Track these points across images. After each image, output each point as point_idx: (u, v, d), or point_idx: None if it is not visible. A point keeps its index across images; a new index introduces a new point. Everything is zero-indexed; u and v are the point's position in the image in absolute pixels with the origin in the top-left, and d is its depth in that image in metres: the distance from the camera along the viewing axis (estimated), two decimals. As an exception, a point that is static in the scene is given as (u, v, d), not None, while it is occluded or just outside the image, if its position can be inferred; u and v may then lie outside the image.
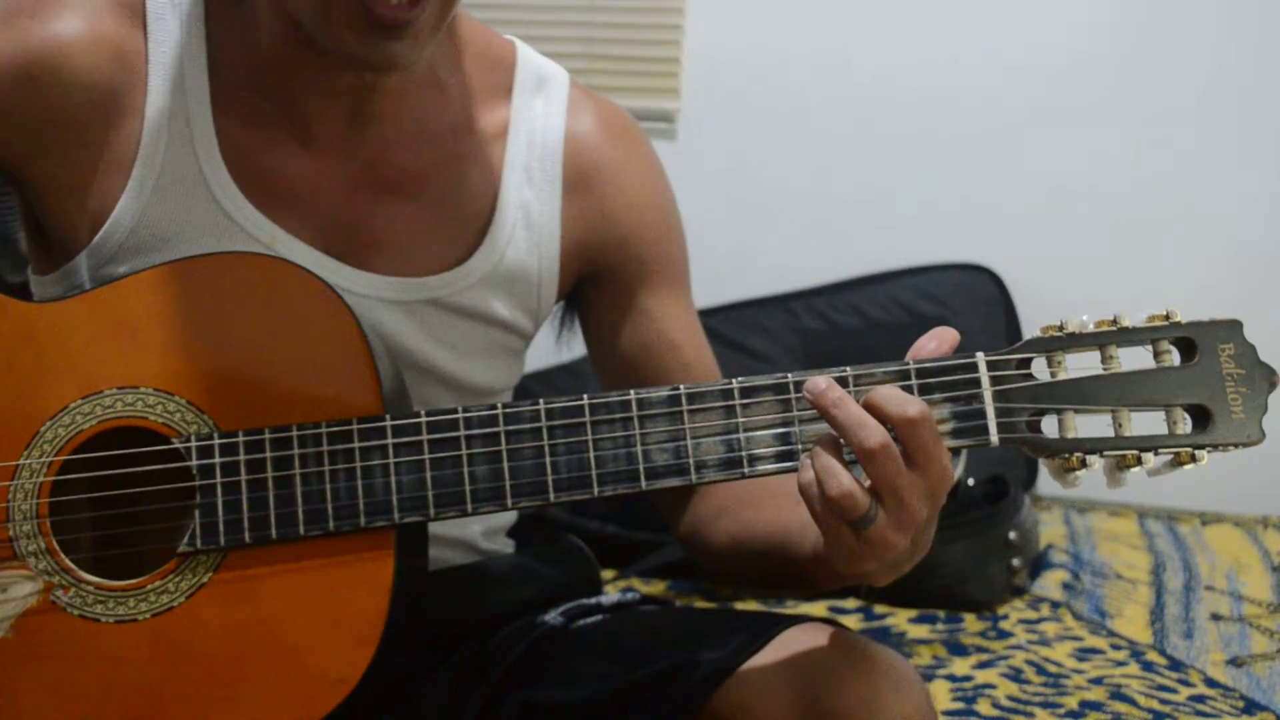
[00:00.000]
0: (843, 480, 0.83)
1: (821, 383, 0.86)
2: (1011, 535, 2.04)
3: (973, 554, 1.99)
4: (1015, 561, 2.04)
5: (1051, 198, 2.71)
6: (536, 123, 1.13)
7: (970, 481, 2.21)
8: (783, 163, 2.79)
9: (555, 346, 1.27)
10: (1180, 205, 2.66)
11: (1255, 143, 2.64)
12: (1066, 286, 2.48)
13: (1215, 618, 1.99)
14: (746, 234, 2.77)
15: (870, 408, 0.84)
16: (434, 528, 1.13)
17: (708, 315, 2.61)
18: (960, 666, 1.75)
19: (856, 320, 2.69)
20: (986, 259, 2.71)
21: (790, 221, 2.79)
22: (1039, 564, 2.19)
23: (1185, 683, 1.72)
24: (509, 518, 1.26)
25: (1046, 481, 2.62)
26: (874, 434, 0.83)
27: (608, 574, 2.07)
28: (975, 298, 2.70)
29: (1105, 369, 0.88)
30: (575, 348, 1.24)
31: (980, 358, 0.88)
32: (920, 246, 2.73)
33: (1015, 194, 2.72)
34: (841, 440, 0.85)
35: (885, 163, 2.77)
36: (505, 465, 0.90)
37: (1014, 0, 2.70)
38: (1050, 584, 2.11)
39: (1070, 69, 2.68)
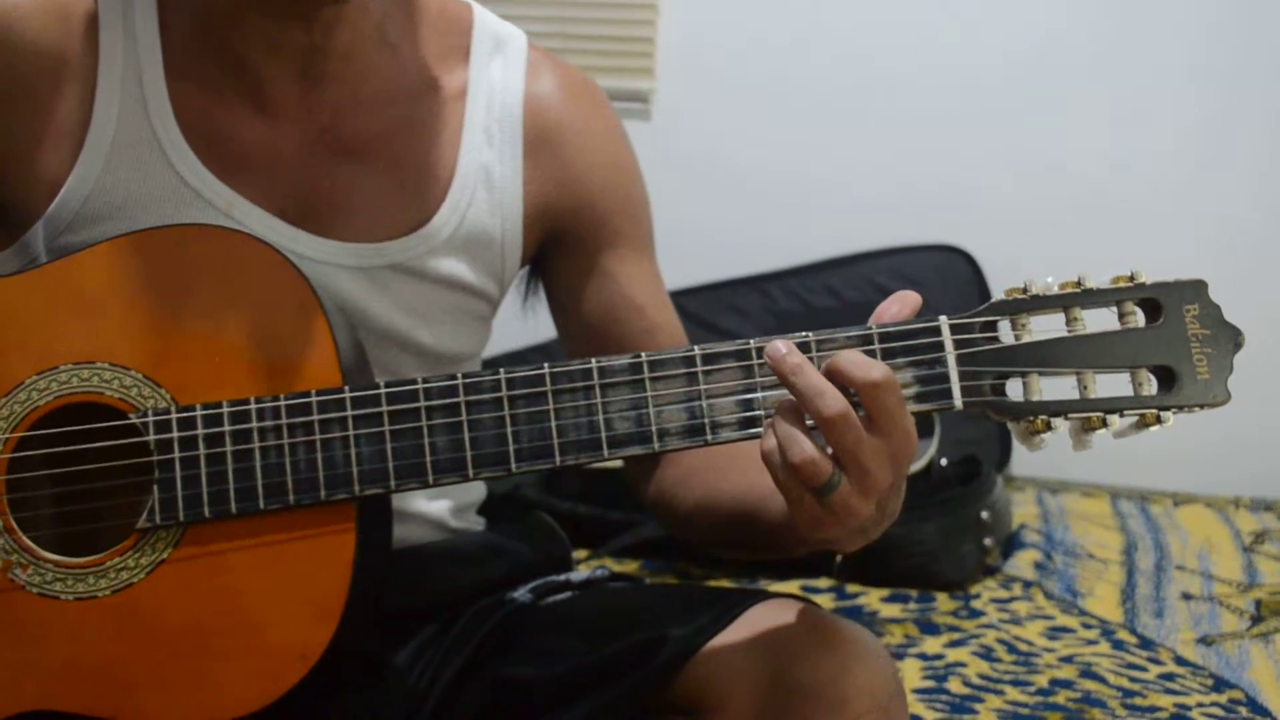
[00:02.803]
0: (805, 447, 0.83)
1: (782, 347, 0.86)
2: (984, 515, 2.05)
3: (945, 533, 2.00)
4: (987, 541, 2.05)
5: (1026, 179, 2.71)
6: (495, 84, 1.12)
7: (943, 461, 2.21)
8: (757, 143, 2.79)
9: (528, 327, 1.26)
10: (1156, 187, 2.67)
11: (1233, 125, 2.64)
12: (1040, 268, 2.46)
13: (1186, 597, 2.00)
14: (721, 214, 2.77)
15: (833, 373, 0.84)
16: (404, 505, 1.12)
17: (682, 296, 2.63)
18: (932, 645, 1.76)
19: (831, 301, 2.69)
20: (961, 240, 2.72)
21: (765, 202, 2.78)
22: (1011, 543, 2.20)
23: (1155, 661, 1.73)
24: (479, 495, 1.25)
25: (1019, 461, 2.62)
26: (832, 402, 0.83)
27: (581, 553, 2.07)
28: (949, 279, 2.70)
29: (1070, 331, 0.88)
30: (548, 328, 1.22)
31: (943, 321, 0.88)
32: (895, 228, 2.74)
33: (990, 176, 2.72)
34: None
35: (860, 144, 2.77)
36: (466, 436, 0.89)
37: (990, -19, 2.71)
38: (1022, 563, 2.12)
39: (1048, 50, 2.68)
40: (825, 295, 2.70)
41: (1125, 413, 0.87)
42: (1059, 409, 0.87)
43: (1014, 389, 0.88)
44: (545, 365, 0.90)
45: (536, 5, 2.85)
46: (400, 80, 1.08)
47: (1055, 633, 1.82)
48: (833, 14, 2.75)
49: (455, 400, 0.90)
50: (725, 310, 2.70)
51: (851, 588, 1.99)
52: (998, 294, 0.89)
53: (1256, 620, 1.90)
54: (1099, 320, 0.88)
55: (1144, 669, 1.69)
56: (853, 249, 2.73)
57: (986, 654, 1.73)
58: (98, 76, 1.01)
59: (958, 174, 2.73)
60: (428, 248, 1.08)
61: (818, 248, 2.73)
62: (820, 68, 2.76)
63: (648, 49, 2.84)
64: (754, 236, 2.76)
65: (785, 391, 0.85)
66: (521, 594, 1.14)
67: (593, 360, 0.89)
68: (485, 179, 1.10)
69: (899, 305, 0.89)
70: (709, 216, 2.73)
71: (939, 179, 2.74)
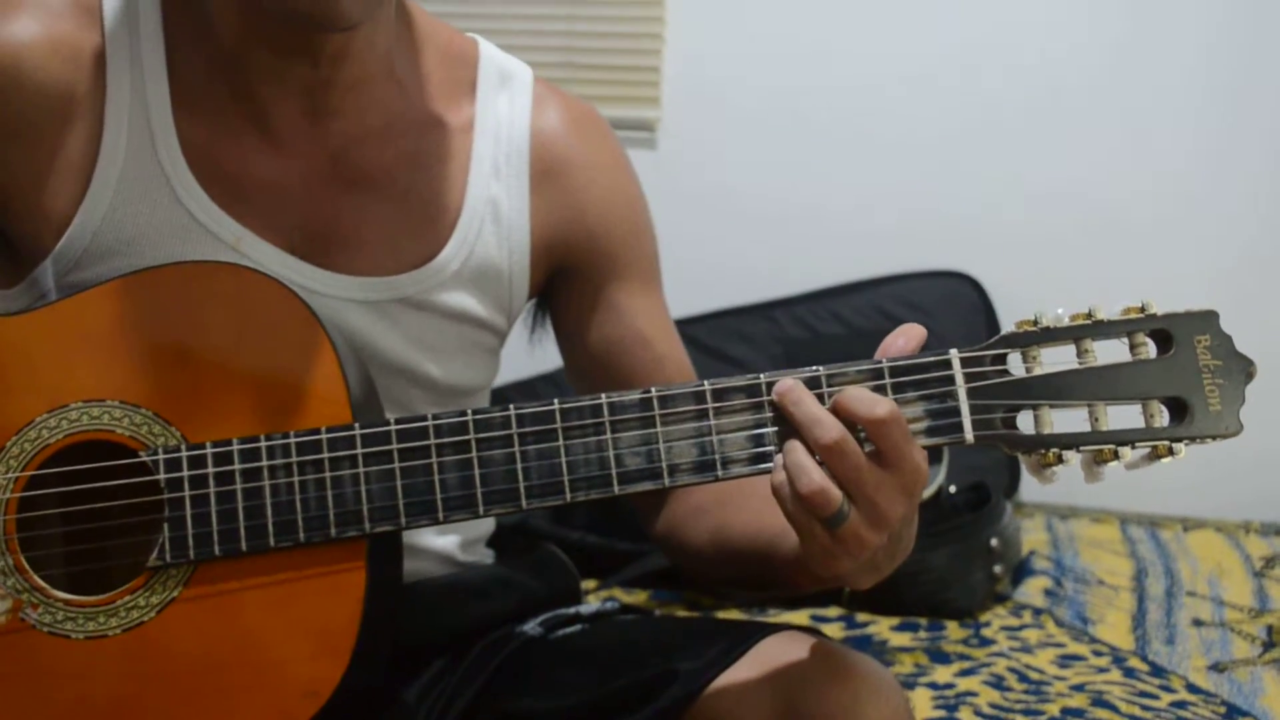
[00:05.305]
0: (814, 477, 0.83)
1: (788, 382, 0.87)
2: (993, 542, 2.04)
3: (954, 561, 1.99)
4: (997, 568, 2.04)
5: (1032, 205, 2.71)
6: (502, 118, 1.13)
7: (952, 489, 2.20)
8: (763, 171, 2.79)
9: (536, 357, 1.26)
10: (1163, 211, 2.66)
11: (1240, 148, 2.64)
12: (1048, 293, 2.45)
13: (1197, 623, 1.98)
14: (727, 242, 2.77)
15: (839, 410, 0.84)
16: (412, 540, 1.12)
17: (689, 324, 2.62)
18: (942, 674, 1.75)
19: (838, 328, 2.69)
20: (968, 266, 2.72)
21: (771, 230, 2.79)
22: (1021, 571, 2.19)
23: (1167, 689, 1.71)
24: (488, 528, 1.25)
25: (1029, 488, 2.62)
26: (829, 430, 0.83)
27: (590, 584, 2.06)
28: (957, 305, 2.70)
29: (1081, 363, 0.88)
30: (556, 358, 1.23)
31: (954, 354, 0.88)
32: (902, 254, 2.74)
33: (996, 201, 2.72)
34: None
35: (866, 170, 2.77)
36: (476, 472, 0.89)
37: (995, 8, 2.70)
38: (1032, 591, 2.11)
39: (1052, 75, 2.68)
40: (833, 322, 2.70)
41: (1137, 445, 0.87)
42: (1070, 442, 0.87)
43: (1025, 421, 0.88)
44: (555, 401, 0.90)
45: (543, 35, 2.86)
46: (407, 114, 1.09)
47: (1066, 661, 1.81)
48: (838, 43, 2.76)
49: (465, 437, 0.90)
50: (733, 338, 2.70)
51: (861, 616, 1.98)
52: (1004, 319, 0.89)
53: (1269, 646, 1.89)
54: (1110, 351, 0.88)
55: (1156, 697, 1.68)
56: (860, 276, 2.73)
57: (997, 683, 1.72)
58: (105, 113, 1.02)
59: (963, 200, 2.73)
60: (436, 281, 1.08)
61: (824, 275, 2.73)
62: (825, 95, 2.77)
63: (653, 78, 2.85)
64: (761, 264, 2.76)
65: (796, 426, 0.86)
66: (531, 627, 1.14)
67: (603, 396, 0.89)
68: (493, 212, 1.11)
69: (904, 339, 0.89)
70: (715, 244, 2.73)
71: (945, 205, 2.74)
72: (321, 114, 1.05)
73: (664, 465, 0.89)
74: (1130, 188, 2.67)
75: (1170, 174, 2.66)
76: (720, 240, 2.76)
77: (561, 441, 0.89)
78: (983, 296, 2.70)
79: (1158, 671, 1.78)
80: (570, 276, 1.16)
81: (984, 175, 2.73)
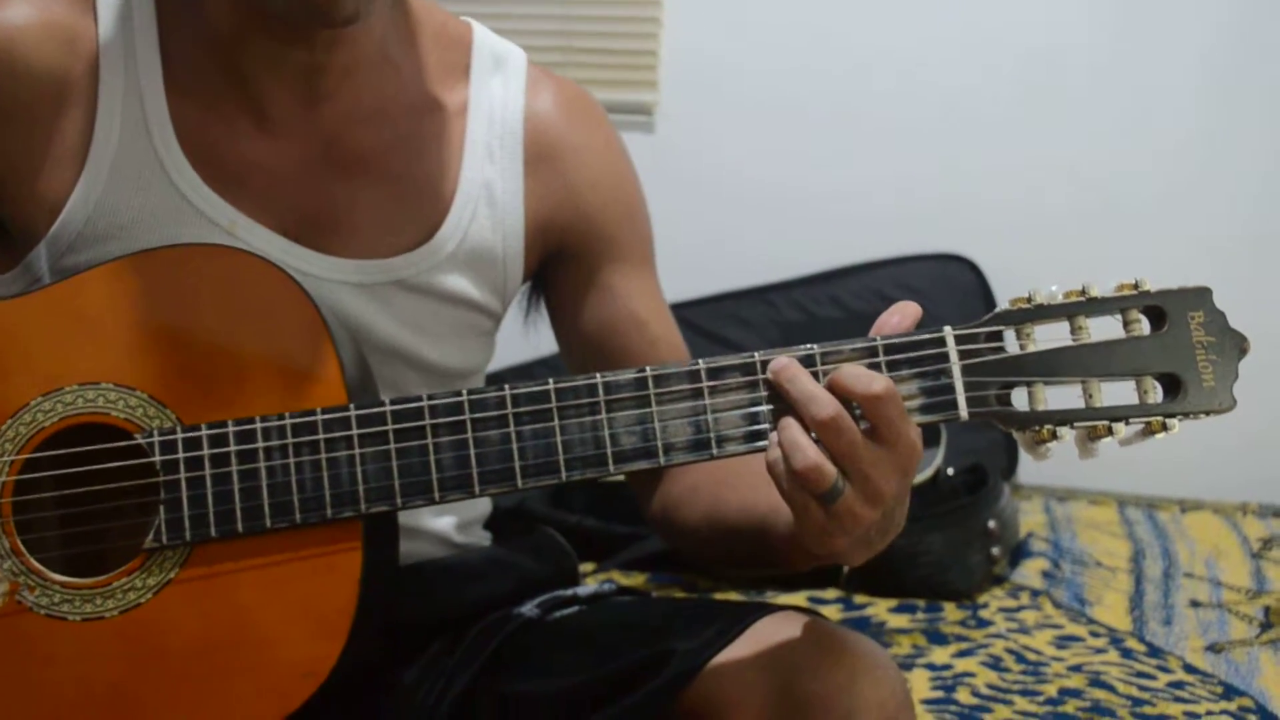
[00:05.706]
0: (808, 453, 0.83)
1: (783, 360, 0.87)
2: (991, 524, 2.04)
3: (952, 543, 1.99)
4: (995, 550, 2.04)
5: (1030, 187, 2.71)
6: (496, 101, 1.13)
7: (950, 471, 2.21)
8: (760, 155, 2.79)
9: (532, 340, 1.26)
10: (1160, 194, 2.66)
11: (1237, 130, 2.64)
12: (1044, 275, 2.44)
13: (1194, 604, 1.99)
14: (724, 226, 2.77)
15: (835, 387, 0.85)
16: (409, 521, 1.12)
17: (686, 307, 2.63)
18: (940, 655, 1.75)
19: (835, 311, 2.69)
20: (965, 249, 2.72)
21: (768, 213, 2.79)
22: (1019, 552, 2.19)
23: (1164, 669, 1.72)
24: (484, 510, 1.25)
25: (1026, 470, 2.62)
26: (825, 406, 0.84)
27: (588, 567, 2.06)
28: (953, 288, 2.70)
29: (1074, 340, 0.88)
30: (551, 342, 1.23)
31: (948, 331, 0.88)
32: (898, 237, 2.74)
33: (993, 184, 2.72)
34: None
35: (863, 153, 2.77)
36: (471, 452, 0.89)
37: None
38: (1030, 572, 2.11)
39: (1049, 57, 2.68)
40: (830, 305, 2.70)
41: (1131, 420, 0.87)
42: (1064, 418, 0.87)
43: (1019, 398, 0.88)
44: (550, 381, 0.90)
45: (540, 19, 2.86)
46: (401, 97, 1.09)
47: (1064, 642, 1.82)
48: (835, 25, 2.75)
49: (460, 418, 0.90)
50: (730, 321, 2.70)
51: (859, 598, 1.98)
52: (1002, 302, 0.89)
53: (1265, 627, 1.89)
54: (1104, 328, 0.88)
55: (1153, 677, 1.68)
56: (857, 259, 2.73)
57: (995, 664, 1.72)
58: (98, 97, 1.02)
59: (960, 183, 2.73)
60: (431, 264, 1.08)
61: (822, 258, 2.73)
62: (822, 78, 2.76)
63: (651, 62, 2.85)
64: (758, 247, 2.76)
65: (789, 404, 0.86)
66: (528, 609, 1.13)
67: (598, 375, 0.89)
68: (487, 195, 1.11)
69: (899, 316, 0.89)
70: (713, 228, 2.74)
71: (942, 188, 2.74)
72: (316, 98, 1.05)
73: (659, 444, 0.89)
74: (1127, 169, 2.67)
75: (1168, 155, 2.66)
76: (717, 224, 2.76)
77: (557, 421, 0.89)
78: (980, 279, 2.70)
79: (1155, 652, 1.78)
80: (564, 259, 1.16)
81: (981, 158, 2.72)
